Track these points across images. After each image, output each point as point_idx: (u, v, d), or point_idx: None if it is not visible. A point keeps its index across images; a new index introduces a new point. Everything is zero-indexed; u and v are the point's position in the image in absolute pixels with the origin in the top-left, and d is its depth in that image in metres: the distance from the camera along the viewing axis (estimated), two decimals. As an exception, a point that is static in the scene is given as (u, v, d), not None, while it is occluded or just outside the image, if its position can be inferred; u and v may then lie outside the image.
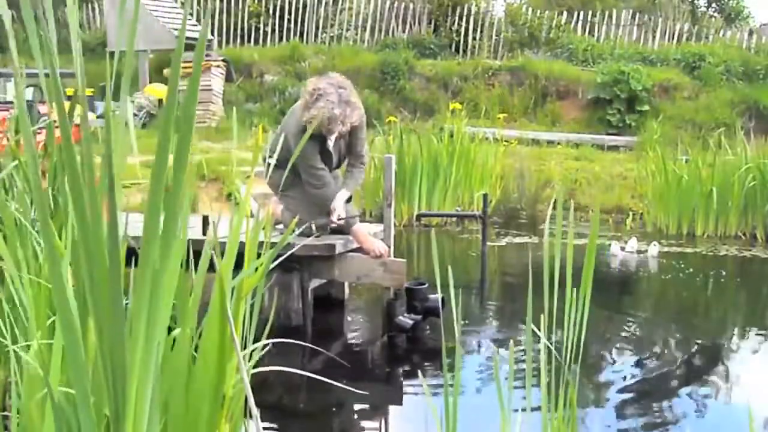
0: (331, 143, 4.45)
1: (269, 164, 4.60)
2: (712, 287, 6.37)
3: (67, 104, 1.48)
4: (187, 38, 9.28)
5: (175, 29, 12.29)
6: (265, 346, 2.02)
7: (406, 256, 5.86)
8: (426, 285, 4.52)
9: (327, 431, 3.33)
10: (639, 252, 7.11)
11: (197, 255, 1.93)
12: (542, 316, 1.93)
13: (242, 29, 16.00)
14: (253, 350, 1.98)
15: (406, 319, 4.34)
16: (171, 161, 1.37)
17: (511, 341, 2.08)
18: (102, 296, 1.41)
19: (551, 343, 1.94)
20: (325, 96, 4.23)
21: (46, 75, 1.41)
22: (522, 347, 4.10)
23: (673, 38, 16.06)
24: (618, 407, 3.63)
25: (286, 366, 2.13)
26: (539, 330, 1.92)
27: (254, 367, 2.09)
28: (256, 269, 1.94)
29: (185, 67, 1.38)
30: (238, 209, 1.89)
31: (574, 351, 1.89)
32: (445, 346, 1.87)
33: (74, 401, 1.50)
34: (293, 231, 1.98)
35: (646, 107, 13.17)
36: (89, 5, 16.25)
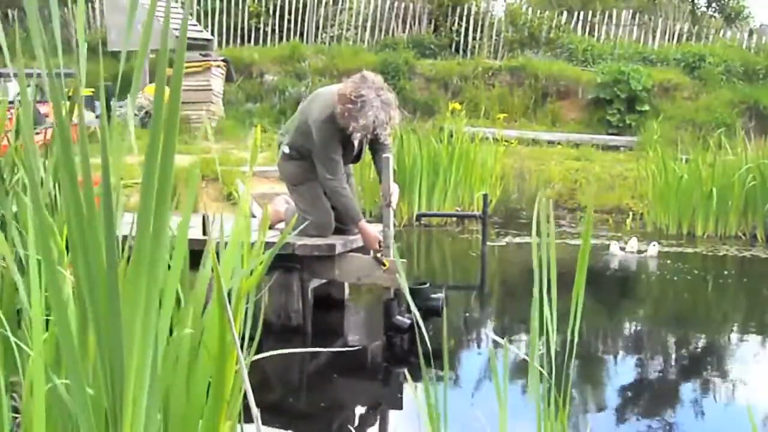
0: (357, 137, 4.40)
1: (282, 151, 4.61)
2: (712, 287, 6.37)
3: (66, 104, 1.48)
4: (188, 38, 9.27)
5: (176, 29, 12.28)
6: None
7: (406, 256, 5.86)
8: (427, 285, 4.51)
9: (326, 431, 3.33)
10: (639, 252, 7.11)
11: (197, 254, 1.93)
12: (536, 318, 1.93)
13: (242, 29, 15.99)
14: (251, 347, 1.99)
15: (404, 319, 4.33)
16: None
17: (505, 341, 2.07)
18: (100, 294, 1.41)
19: (550, 345, 1.94)
20: (369, 103, 4.18)
21: (48, 75, 1.41)
22: (520, 346, 4.11)
23: (673, 38, 16.05)
24: (617, 407, 3.63)
25: (286, 365, 2.13)
26: (534, 331, 1.92)
27: (252, 367, 2.09)
28: (255, 269, 1.94)
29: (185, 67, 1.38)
30: (238, 209, 1.89)
31: (568, 353, 1.88)
32: (438, 347, 1.87)
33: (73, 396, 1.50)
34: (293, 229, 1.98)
35: (646, 107, 13.16)
36: (89, 5, 16.25)
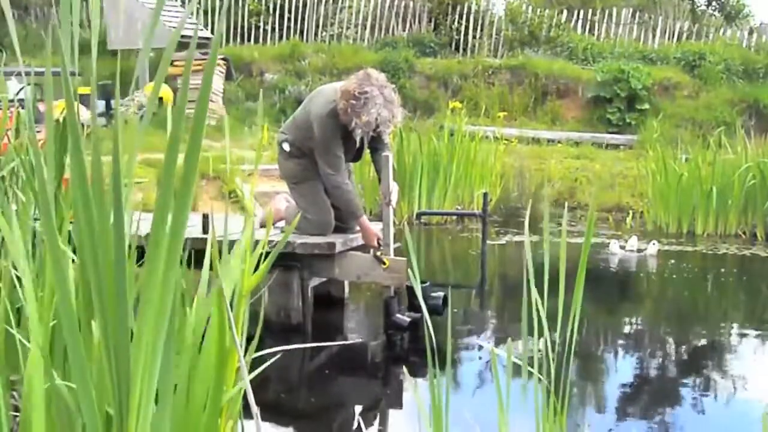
0: (358, 134, 4.39)
1: (283, 149, 4.60)
2: (711, 286, 6.37)
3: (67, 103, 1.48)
4: (185, 37, 9.27)
5: (173, 28, 12.26)
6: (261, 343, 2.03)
7: (406, 255, 5.86)
8: (428, 283, 4.51)
9: (326, 431, 3.33)
10: (639, 250, 7.11)
11: (197, 254, 1.93)
12: (537, 316, 1.94)
13: (242, 28, 15.98)
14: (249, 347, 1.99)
15: (403, 317, 4.33)
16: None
17: (509, 340, 2.08)
18: (108, 294, 1.41)
19: (550, 343, 1.94)
20: (372, 100, 4.18)
21: (54, 74, 1.42)
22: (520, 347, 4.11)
23: (673, 37, 16.04)
24: (617, 407, 3.63)
25: (286, 363, 2.13)
26: (535, 330, 1.92)
27: (253, 365, 2.09)
28: (257, 268, 1.95)
29: (180, 66, 1.38)
30: (243, 208, 1.90)
31: (568, 351, 1.89)
32: (437, 345, 1.88)
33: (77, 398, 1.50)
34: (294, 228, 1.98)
35: (646, 106, 13.15)
36: (89, 4, 16.24)
